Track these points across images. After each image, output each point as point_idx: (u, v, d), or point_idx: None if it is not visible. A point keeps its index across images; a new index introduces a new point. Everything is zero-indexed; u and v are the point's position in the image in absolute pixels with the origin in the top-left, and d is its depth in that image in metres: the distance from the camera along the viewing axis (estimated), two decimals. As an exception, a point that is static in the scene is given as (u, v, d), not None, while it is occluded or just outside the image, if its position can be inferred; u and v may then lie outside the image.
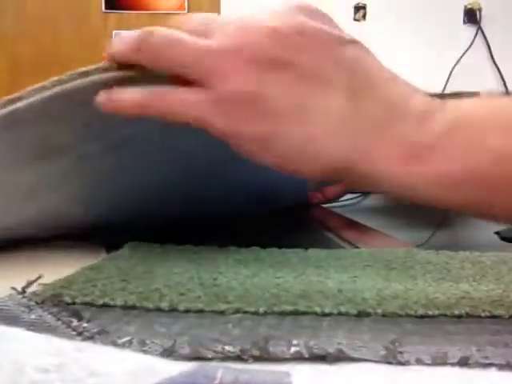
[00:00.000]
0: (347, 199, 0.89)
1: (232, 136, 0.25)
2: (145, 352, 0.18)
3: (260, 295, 0.24)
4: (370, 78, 0.26)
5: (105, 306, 0.23)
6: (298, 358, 0.18)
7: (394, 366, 0.18)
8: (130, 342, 0.19)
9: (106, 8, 2.42)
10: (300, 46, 0.23)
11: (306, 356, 0.18)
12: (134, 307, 0.23)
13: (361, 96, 0.25)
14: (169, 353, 0.18)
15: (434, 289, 0.27)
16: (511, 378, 0.17)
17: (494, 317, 0.24)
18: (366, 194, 0.96)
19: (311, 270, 0.29)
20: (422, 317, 0.23)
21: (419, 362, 0.18)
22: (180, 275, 0.28)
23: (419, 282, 0.28)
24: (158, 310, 0.23)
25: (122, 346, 0.18)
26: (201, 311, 0.22)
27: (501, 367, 0.18)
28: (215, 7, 2.42)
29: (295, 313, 0.22)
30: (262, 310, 0.22)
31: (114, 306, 0.23)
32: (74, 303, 0.23)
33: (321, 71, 0.24)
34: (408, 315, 0.23)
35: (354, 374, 0.17)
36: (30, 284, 0.26)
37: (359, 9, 2.38)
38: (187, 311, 0.22)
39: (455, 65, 2.36)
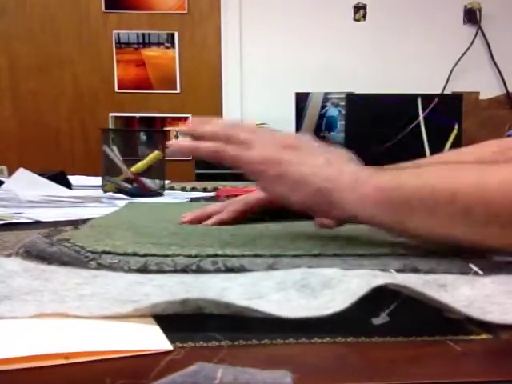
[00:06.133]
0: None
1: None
2: (129, 270, 0.33)
3: (192, 243, 0.38)
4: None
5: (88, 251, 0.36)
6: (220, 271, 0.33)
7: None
8: (118, 262, 0.34)
9: (106, 8, 2.41)
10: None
11: (223, 269, 0.33)
12: (109, 252, 0.36)
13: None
14: (144, 268, 0.33)
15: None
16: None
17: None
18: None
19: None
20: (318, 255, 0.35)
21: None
22: (130, 239, 0.41)
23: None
24: (126, 254, 0.35)
25: (116, 266, 0.34)
26: (154, 255, 0.35)
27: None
28: (215, 7, 2.43)
29: (215, 255, 0.35)
30: (193, 253, 0.35)
31: (95, 252, 0.36)
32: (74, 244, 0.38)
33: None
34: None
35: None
36: (51, 231, 0.44)
37: (359, 9, 2.37)
38: (145, 255, 0.34)
39: (455, 65, 2.36)
